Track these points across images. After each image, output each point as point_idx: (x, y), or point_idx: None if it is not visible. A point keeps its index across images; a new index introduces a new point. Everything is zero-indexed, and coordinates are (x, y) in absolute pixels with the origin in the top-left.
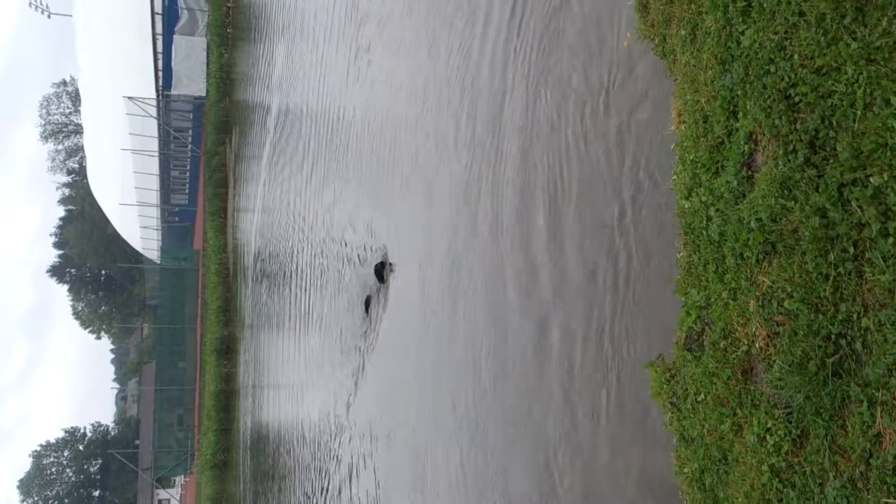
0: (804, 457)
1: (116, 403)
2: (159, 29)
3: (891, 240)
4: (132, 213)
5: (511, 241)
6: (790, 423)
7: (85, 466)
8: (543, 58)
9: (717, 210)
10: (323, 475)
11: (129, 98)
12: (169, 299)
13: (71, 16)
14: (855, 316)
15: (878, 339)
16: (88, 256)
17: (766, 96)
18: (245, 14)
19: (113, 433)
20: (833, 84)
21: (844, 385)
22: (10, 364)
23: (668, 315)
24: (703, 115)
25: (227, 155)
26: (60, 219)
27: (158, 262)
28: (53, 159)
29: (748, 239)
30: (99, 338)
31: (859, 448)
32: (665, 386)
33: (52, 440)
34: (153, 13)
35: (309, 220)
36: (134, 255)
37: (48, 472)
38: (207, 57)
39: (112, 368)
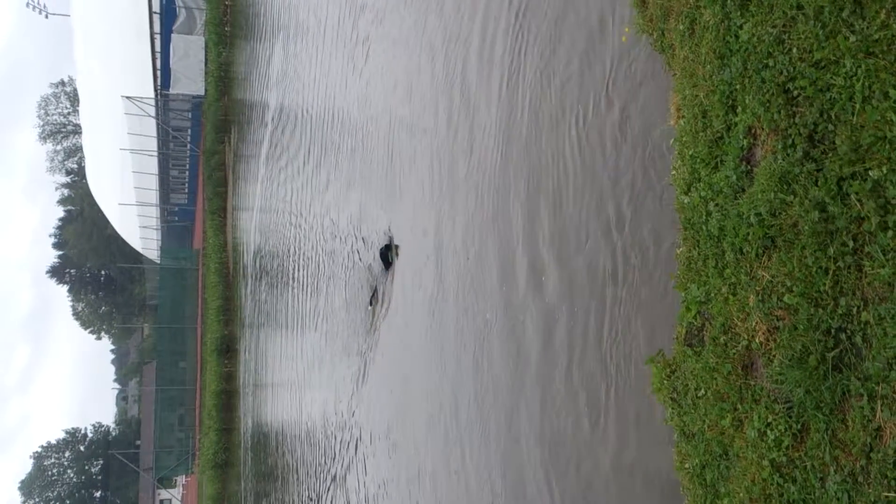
0: (805, 451)
1: (117, 404)
2: (157, 28)
3: (890, 233)
4: (132, 213)
5: (511, 237)
6: (791, 417)
7: (86, 467)
8: (542, 52)
9: (717, 205)
10: (325, 474)
11: (127, 98)
12: (169, 299)
13: (68, 15)
14: (855, 310)
15: (877, 333)
16: (88, 257)
17: (765, 90)
18: (243, 12)
19: (114, 434)
20: (832, 77)
21: (844, 379)
22: (12, 365)
23: (669, 310)
24: (701, 109)
25: (227, 154)
26: (60, 219)
27: (158, 261)
28: (52, 160)
29: (748, 234)
30: (99, 338)
31: (860, 442)
32: (665, 381)
33: (53, 441)
34: (151, 12)
35: (308, 216)
36: (134, 255)
37: (49, 473)
38: (206, 56)
39: (112, 369)
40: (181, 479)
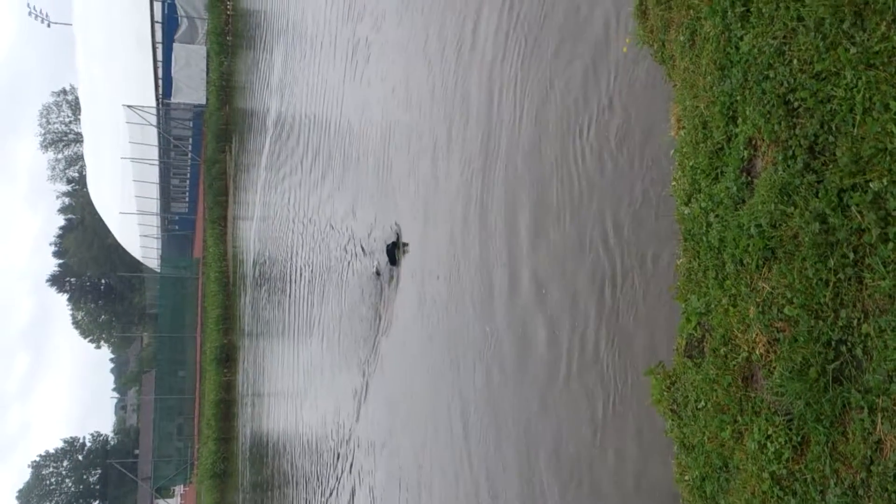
0: (805, 464)
1: (116, 413)
2: (159, 37)
3: (891, 245)
4: (132, 222)
5: (511, 248)
6: (791, 430)
7: (84, 476)
8: (541, 61)
9: (717, 216)
10: (324, 485)
11: (128, 107)
12: (169, 308)
13: (70, 24)
14: (855, 322)
15: (878, 346)
16: (88, 265)
17: (766, 101)
18: (245, 22)
19: (112, 443)
20: (832, 89)
21: (845, 391)
22: (12, 374)
23: (669, 322)
24: (702, 120)
25: (228, 163)
26: (60, 228)
27: (158, 270)
28: (53, 168)
29: (748, 245)
30: (98, 347)
31: (860, 455)
32: (665, 393)
33: (52, 450)
34: (153, 22)
35: (308, 224)
36: (134, 264)
37: (47, 482)
38: (207, 65)
39: (111, 378)
40: (179, 489)
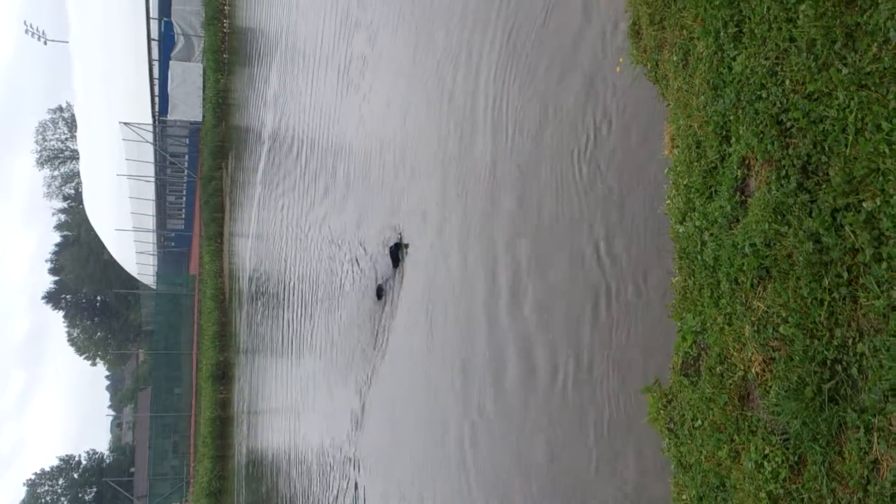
0: (802, 483)
1: (111, 431)
2: (156, 55)
3: (884, 265)
4: (128, 239)
5: (507, 268)
6: (787, 449)
7: (80, 495)
8: (534, 80)
9: (712, 235)
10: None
11: (125, 124)
12: (165, 325)
13: (67, 42)
14: (850, 341)
15: (873, 365)
16: (84, 282)
17: (759, 121)
18: (241, 39)
19: (108, 461)
20: (825, 109)
21: (841, 411)
22: (7, 391)
23: (665, 340)
24: (695, 139)
25: (224, 179)
26: (56, 245)
27: (154, 287)
28: (49, 185)
29: (742, 264)
30: (94, 364)
31: (857, 475)
32: (662, 411)
33: (47, 468)
34: (149, 39)
35: (304, 240)
36: (130, 281)
37: (43, 500)
38: (204, 82)
39: (107, 395)
40: None
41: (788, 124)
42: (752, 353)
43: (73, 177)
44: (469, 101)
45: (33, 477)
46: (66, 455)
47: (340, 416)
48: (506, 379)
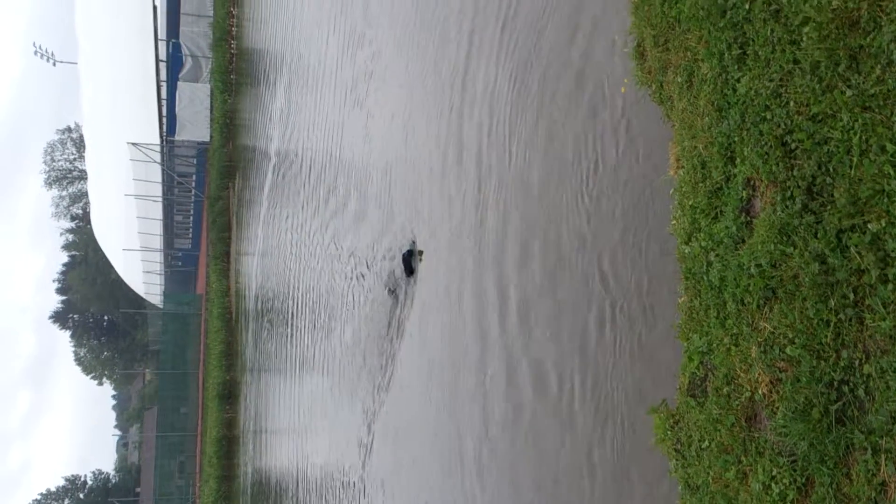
0: None
1: (117, 450)
2: (163, 76)
3: (890, 286)
4: (135, 259)
5: (513, 289)
6: (795, 470)
7: None
8: (541, 99)
9: (717, 255)
10: None
11: (133, 144)
12: (171, 344)
13: (76, 63)
14: (857, 362)
15: (880, 386)
16: (91, 302)
17: (763, 143)
18: (248, 60)
19: (114, 481)
20: (829, 131)
21: (848, 432)
22: (14, 411)
23: (672, 360)
24: (700, 160)
25: (231, 199)
26: (64, 264)
27: (161, 307)
28: (57, 205)
29: (748, 284)
30: (101, 384)
31: (864, 497)
32: (669, 432)
33: (53, 488)
34: (157, 60)
35: (310, 259)
36: (137, 301)
37: None
38: (211, 103)
39: (113, 415)
40: None
41: (793, 146)
42: (759, 374)
43: (81, 197)
44: (477, 119)
45: (39, 497)
46: (72, 475)
47: (347, 436)
48: (511, 399)
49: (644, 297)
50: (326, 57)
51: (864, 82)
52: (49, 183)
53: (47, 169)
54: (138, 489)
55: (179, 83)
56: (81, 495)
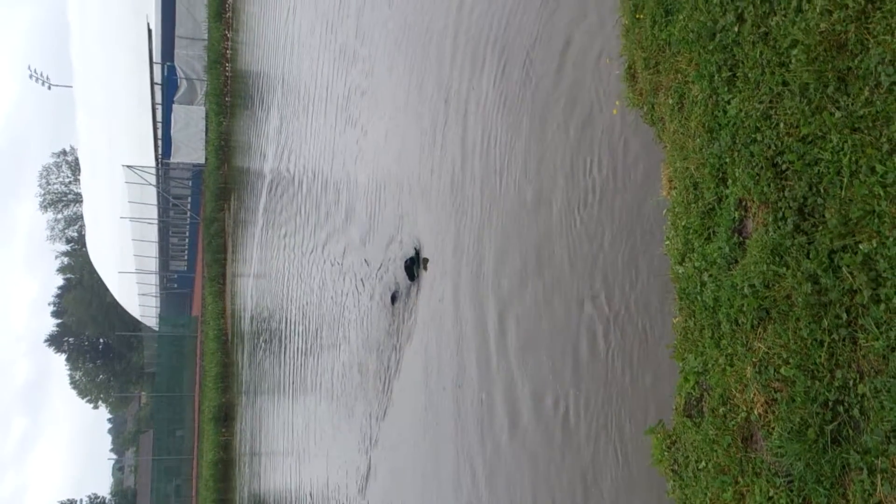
0: None
1: (113, 474)
2: (159, 98)
3: (882, 306)
4: (131, 281)
5: (511, 316)
6: (792, 491)
7: None
8: (532, 120)
9: (711, 275)
10: None
11: (128, 167)
12: (167, 367)
13: (71, 87)
14: (851, 382)
15: (874, 406)
16: (87, 325)
17: (754, 164)
18: (243, 83)
19: None
20: (819, 152)
21: (844, 452)
22: (9, 436)
23: (668, 380)
24: (692, 181)
25: (226, 221)
26: (59, 287)
27: (157, 329)
28: (53, 228)
29: (742, 305)
30: (96, 407)
31: None
32: (666, 453)
33: None
34: (152, 83)
35: (307, 279)
36: (132, 323)
37: None
38: (206, 125)
39: (109, 438)
40: None
41: (784, 167)
42: (755, 394)
43: (77, 220)
44: (470, 139)
45: None
46: (68, 499)
47: (345, 457)
48: (509, 419)
49: (638, 317)
50: (319, 75)
51: (852, 104)
52: (44, 206)
53: (42, 192)
54: None
55: (174, 106)
56: None
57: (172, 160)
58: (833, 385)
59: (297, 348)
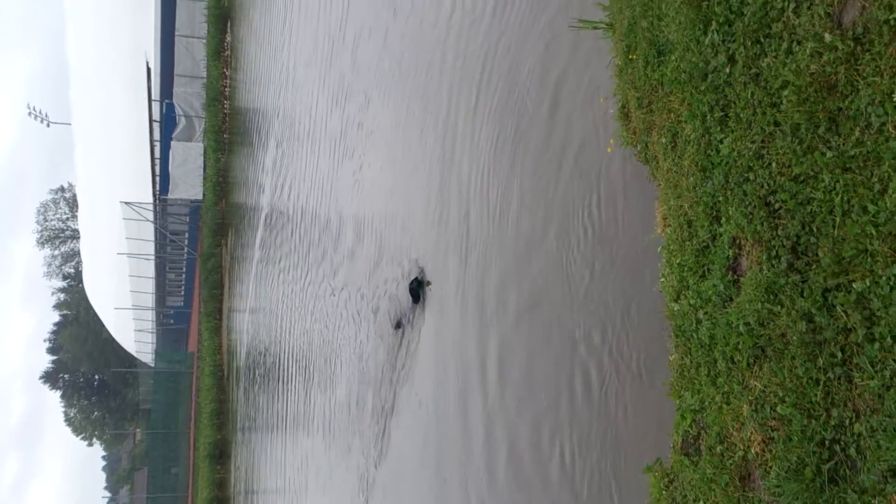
0: None
1: None
2: (157, 135)
3: (877, 345)
4: (127, 317)
5: (508, 354)
6: None
7: None
8: (526, 163)
9: (706, 313)
10: None
11: (126, 203)
12: (163, 403)
13: (69, 124)
14: (847, 421)
15: (871, 445)
16: (82, 361)
17: (747, 203)
18: (241, 120)
19: None
20: (811, 191)
21: (841, 492)
22: (3, 475)
23: (665, 418)
24: (686, 219)
25: (223, 256)
26: (55, 324)
27: (153, 365)
28: (49, 264)
29: (738, 343)
30: (91, 444)
31: None
32: (664, 492)
33: None
34: (151, 120)
35: (304, 314)
36: (128, 359)
37: None
38: (204, 161)
39: (103, 476)
40: None
41: (776, 206)
42: (752, 433)
43: (74, 256)
44: (465, 176)
45: None
46: None
47: (344, 494)
48: (505, 460)
49: (634, 354)
50: (316, 110)
51: (843, 144)
52: (41, 242)
53: (40, 228)
54: None
55: (173, 143)
56: None
57: (170, 196)
58: (829, 424)
59: (295, 384)
